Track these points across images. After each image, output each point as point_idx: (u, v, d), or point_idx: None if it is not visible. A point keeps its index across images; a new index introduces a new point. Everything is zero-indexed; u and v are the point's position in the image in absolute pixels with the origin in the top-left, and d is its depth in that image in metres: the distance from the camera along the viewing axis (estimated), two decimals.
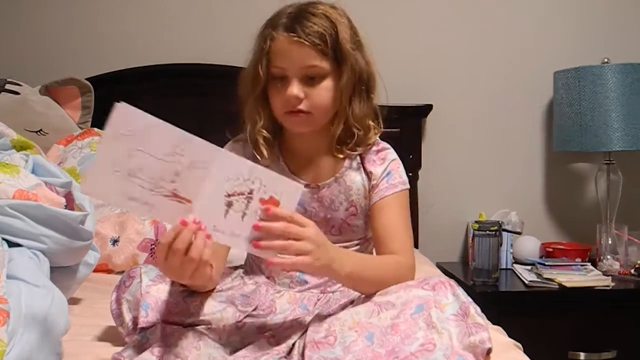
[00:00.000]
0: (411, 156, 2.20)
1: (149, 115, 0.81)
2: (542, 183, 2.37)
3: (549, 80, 2.24)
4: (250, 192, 0.86)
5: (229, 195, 0.85)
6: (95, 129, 2.01)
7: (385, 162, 1.15)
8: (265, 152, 1.12)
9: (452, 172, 2.33)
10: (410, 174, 2.18)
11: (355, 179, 1.14)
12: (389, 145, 1.19)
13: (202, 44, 2.26)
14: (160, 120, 0.82)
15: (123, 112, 0.80)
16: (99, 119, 2.06)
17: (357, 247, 1.17)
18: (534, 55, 2.32)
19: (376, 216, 1.12)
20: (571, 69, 2.10)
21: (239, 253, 1.39)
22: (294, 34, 1.05)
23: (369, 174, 1.14)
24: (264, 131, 1.12)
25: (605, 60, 2.13)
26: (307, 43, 1.05)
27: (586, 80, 2.04)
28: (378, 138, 1.17)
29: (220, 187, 0.85)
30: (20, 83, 2.08)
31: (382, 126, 1.16)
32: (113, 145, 0.80)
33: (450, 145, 2.33)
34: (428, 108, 2.27)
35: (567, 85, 2.10)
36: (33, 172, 1.28)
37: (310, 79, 1.07)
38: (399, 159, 1.17)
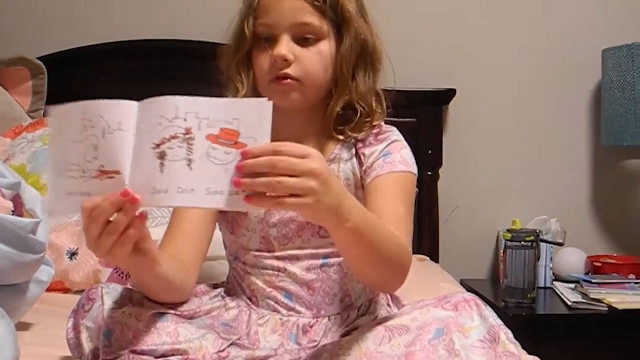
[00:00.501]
0: (430, 152, 2.20)
1: (68, 104, 0.86)
2: (588, 184, 2.37)
3: (597, 59, 2.24)
4: (187, 132, 0.81)
5: (157, 146, 0.82)
6: None
7: (384, 142, 1.15)
8: None
9: (480, 170, 2.33)
10: (429, 173, 2.23)
11: (344, 166, 1.14)
12: (393, 127, 1.19)
13: (177, 16, 2.26)
14: (71, 103, 0.85)
15: (55, 116, 0.89)
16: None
17: None
18: (579, 29, 2.32)
19: (368, 198, 1.10)
20: (623, 46, 2.10)
21: (221, 268, 1.40)
22: None
23: (360, 157, 1.14)
24: None
25: None
26: None
27: None
28: (382, 122, 1.17)
29: (145, 141, 0.82)
30: None
31: (385, 110, 1.16)
32: (51, 151, 0.89)
33: (477, 138, 2.33)
34: (450, 93, 2.27)
35: (618, 66, 2.10)
36: None
37: (304, 40, 1.09)
38: (405, 142, 1.17)
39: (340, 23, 1.10)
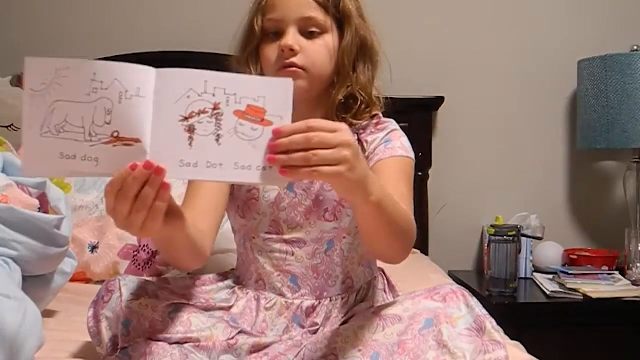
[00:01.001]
0: (420, 154, 2.17)
1: (60, 59, 0.77)
2: (565, 184, 2.36)
3: (573, 70, 2.23)
4: (216, 108, 0.77)
5: (185, 119, 0.77)
6: None
7: (385, 131, 1.14)
8: None
9: (466, 171, 2.33)
10: (420, 174, 2.22)
11: None
12: (391, 119, 1.18)
13: (192, 29, 2.25)
14: (72, 59, 0.76)
15: (34, 67, 0.76)
16: None
17: (355, 237, 1.14)
18: (556, 42, 2.32)
19: None
20: (597, 57, 2.10)
21: (230, 260, 1.39)
22: None
23: (363, 144, 1.14)
24: None
25: (635, 47, 2.12)
26: None
27: (614, 69, 2.04)
28: (380, 114, 1.17)
29: (171, 112, 0.76)
30: None
31: (382, 103, 1.15)
32: (32, 107, 0.77)
33: (464, 141, 2.33)
34: (439, 100, 2.27)
35: (592, 76, 2.10)
36: (3, 171, 1.28)
37: (309, 34, 1.08)
38: (402, 131, 1.16)
39: (342, 19, 1.10)
